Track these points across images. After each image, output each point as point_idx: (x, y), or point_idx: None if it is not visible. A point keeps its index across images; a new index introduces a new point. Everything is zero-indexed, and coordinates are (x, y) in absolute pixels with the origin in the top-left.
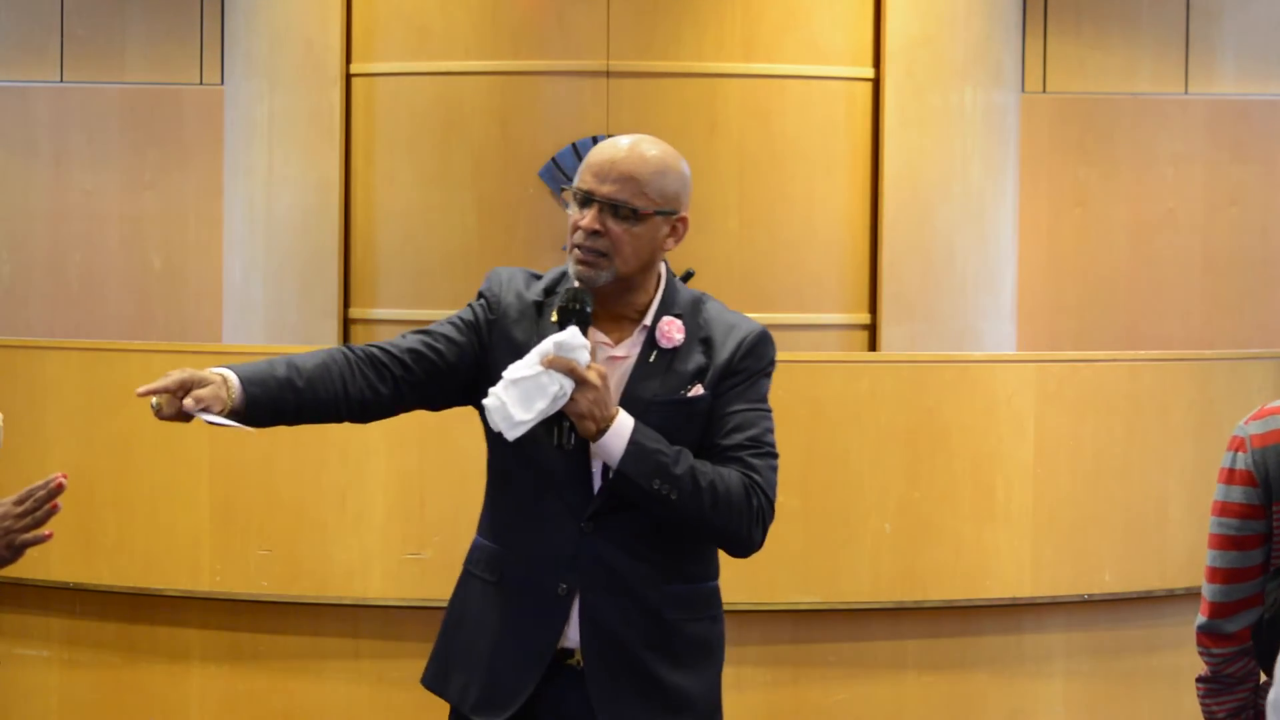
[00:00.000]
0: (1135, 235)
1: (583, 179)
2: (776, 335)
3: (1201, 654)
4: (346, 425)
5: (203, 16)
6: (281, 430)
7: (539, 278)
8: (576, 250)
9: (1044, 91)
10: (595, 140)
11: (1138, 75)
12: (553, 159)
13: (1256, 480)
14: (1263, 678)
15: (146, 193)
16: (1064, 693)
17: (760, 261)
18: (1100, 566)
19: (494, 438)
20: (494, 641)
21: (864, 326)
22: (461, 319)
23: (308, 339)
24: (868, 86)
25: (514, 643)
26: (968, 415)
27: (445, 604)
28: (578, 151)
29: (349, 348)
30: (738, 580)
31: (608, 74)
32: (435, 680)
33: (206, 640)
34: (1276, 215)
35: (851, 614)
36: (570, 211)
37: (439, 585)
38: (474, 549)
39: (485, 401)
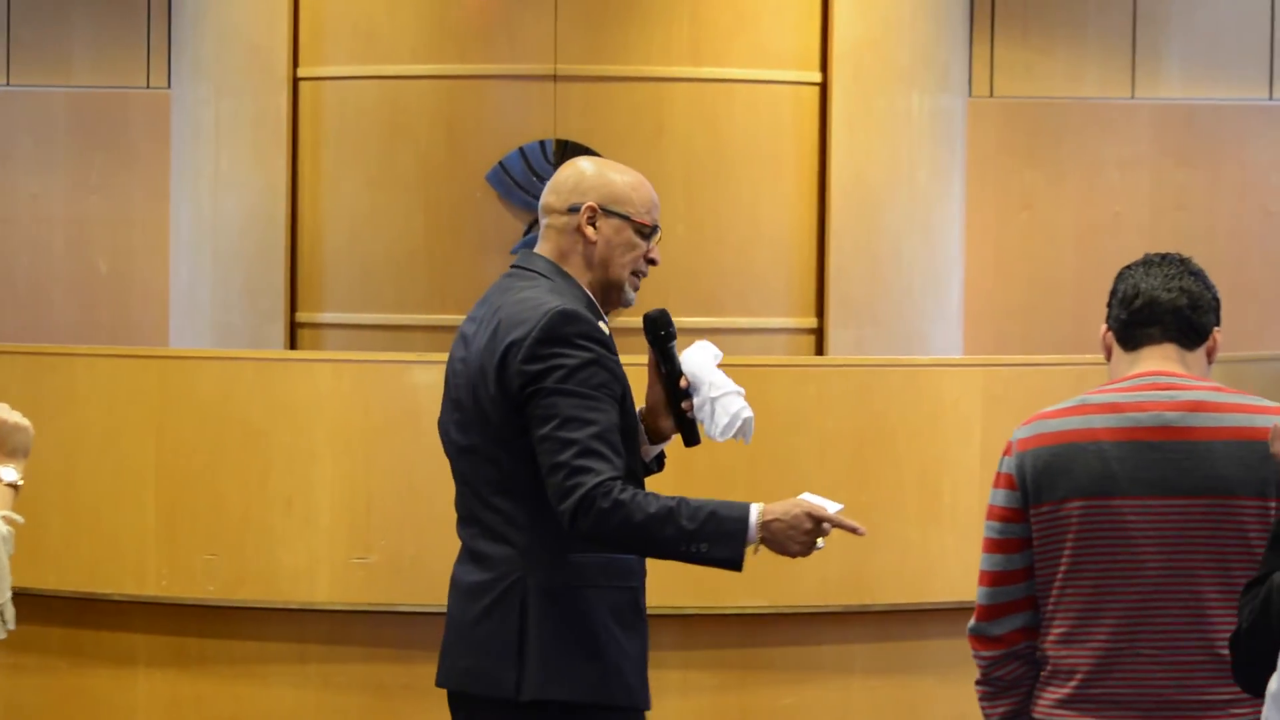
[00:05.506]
0: (1081, 239)
1: (658, 216)
2: (724, 339)
3: (974, 657)
4: (290, 429)
5: (149, 20)
6: (228, 434)
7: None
8: (636, 277)
9: (991, 96)
10: (543, 145)
11: (1084, 80)
12: (500, 163)
13: (1016, 484)
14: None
15: (92, 196)
16: None
17: (707, 266)
18: None
19: (633, 448)
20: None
21: (811, 331)
22: (618, 383)
23: (254, 342)
24: (815, 91)
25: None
26: (915, 419)
27: (392, 608)
28: (525, 156)
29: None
30: (685, 584)
31: (555, 78)
32: (645, 695)
33: (152, 645)
34: (1222, 219)
35: (799, 618)
36: (648, 244)
37: (385, 589)
38: (594, 563)
39: (746, 415)
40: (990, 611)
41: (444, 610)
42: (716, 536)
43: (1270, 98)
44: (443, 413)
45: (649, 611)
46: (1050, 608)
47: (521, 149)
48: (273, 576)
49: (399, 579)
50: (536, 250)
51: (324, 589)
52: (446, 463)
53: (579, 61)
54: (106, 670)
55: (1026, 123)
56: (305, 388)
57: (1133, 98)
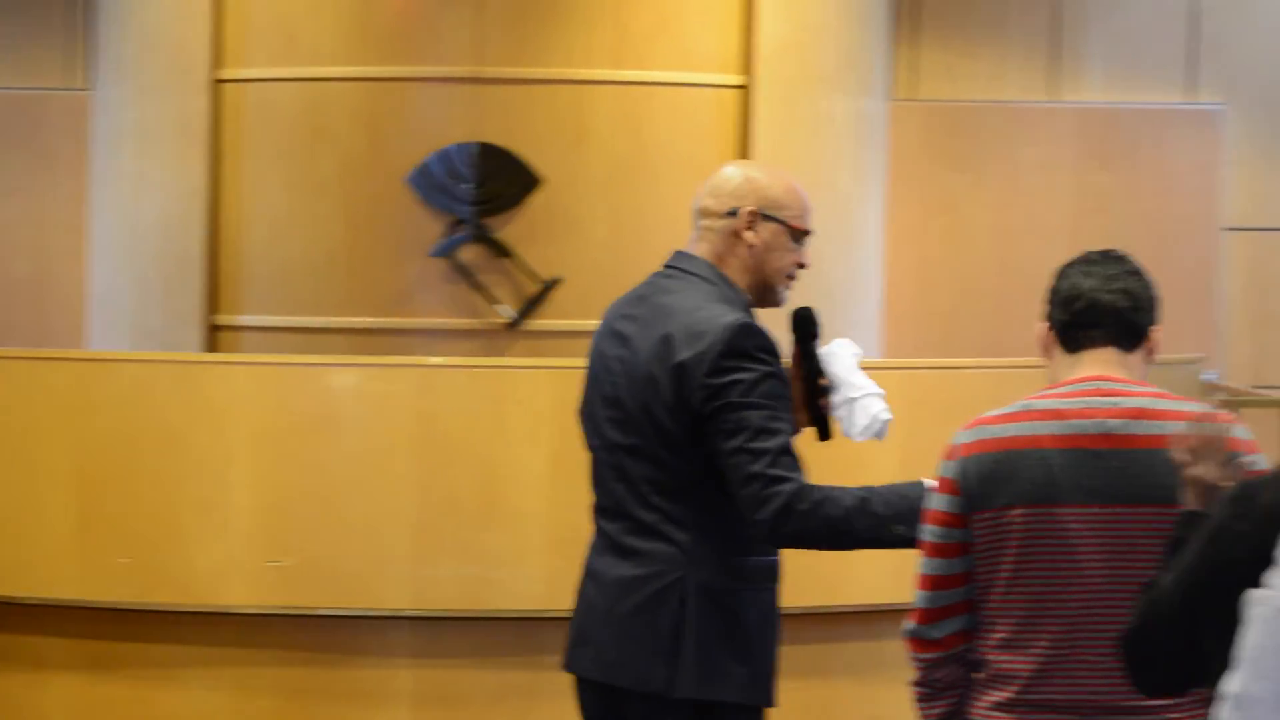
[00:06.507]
0: (1002, 242)
1: (811, 221)
2: None
3: (910, 659)
4: (207, 431)
5: (70, 22)
6: (144, 437)
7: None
8: (790, 279)
9: (913, 99)
10: (464, 147)
11: (1006, 83)
12: (421, 165)
13: (959, 489)
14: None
15: (10, 199)
16: None
17: (629, 269)
18: None
19: None
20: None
21: None
22: (786, 386)
23: (172, 345)
24: (737, 94)
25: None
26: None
27: (307, 611)
28: (446, 157)
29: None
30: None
31: (477, 80)
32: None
33: (67, 649)
34: (1141, 223)
35: None
36: (799, 248)
37: (300, 592)
38: (750, 565)
39: (885, 417)
40: (930, 615)
41: (359, 613)
42: (909, 516)
43: (1189, 101)
44: (589, 404)
45: (561, 615)
46: (991, 613)
47: (442, 151)
48: (188, 579)
49: (314, 582)
50: (691, 251)
51: (239, 592)
52: (364, 465)
53: (501, 64)
54: (20, 674)
55: (948, 126)
56: (223, 390)
57: (1054, 101)
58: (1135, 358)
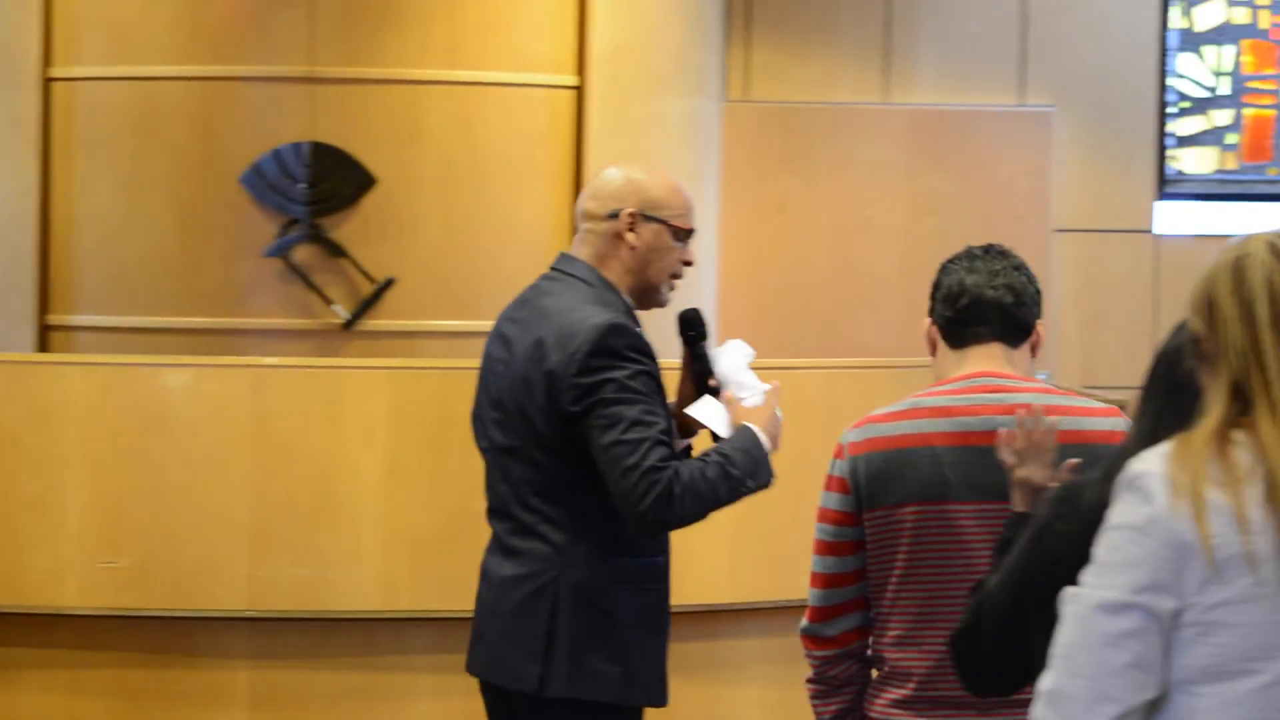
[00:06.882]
0: (835, 243)
1: (694, 220)
2: (476, 343)
3: (806, 656)
4: (40, 432)
5: None
6: None
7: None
8: (673, 279)
9: (746, 100)
10: (297, 147)
11: (838, 84)
12: (254, 165)
13: (849, 488)
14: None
15: None
16: (760, 699)
17: (462, 269)
18: (798, 572)
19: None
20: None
21: None
22: (662, 388)
23: (4, 345)
24: (570, 94)
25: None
26: None
27: (141, 612)
28: (279, 158)
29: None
30: (438, 589)
31: (310, 80)
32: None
33: None
34: (974, 224)
35: None
36: (685, 247)
37: (135, 594)
38: (629, 566)
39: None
40: (824, 613)
41: (195, 614)
42: (755, 469)
43: (1021, 104)
44: (478, 406)
45: (396, 616)
46: (885, 610)
47: (276, 151)
48: (20, 581)
49: (149, 583)
50: (574, 254)
51: (73, 593)
52: (199, 466)
53: (335, 63)
54: None
55: (781, 127)
56: (55, 390)
57: (886, 103)
58: (1020, 353)
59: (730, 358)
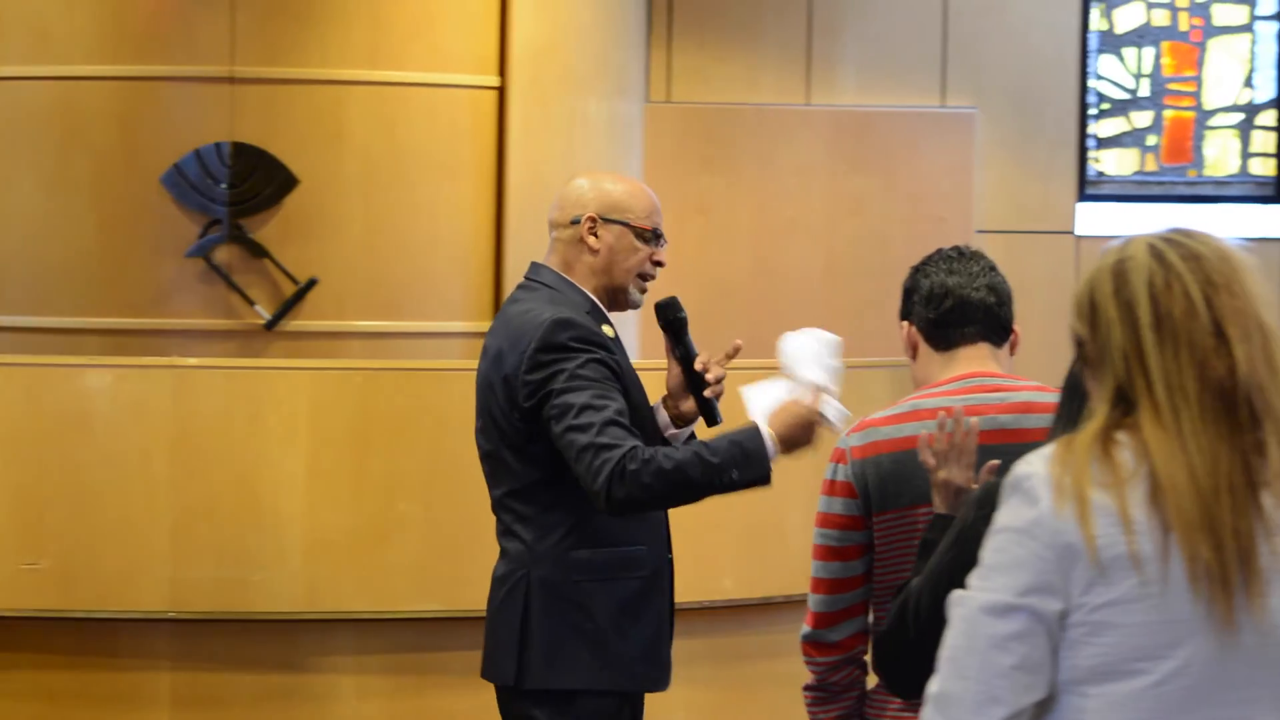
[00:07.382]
0: (757, 244)
1: (659, 221)
2: (399, 344)
3: (807, 663)
4: None
5: None
6: None
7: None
8: (642, 279)
9: (668, 101)
10: (219, 147)
11: (760, 86)
12: (175, 165)
13: (856, 492)
14: (870, 684)
15: None
16: (685, 699)
17: (384, 270)
18: (720, 573)
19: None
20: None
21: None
22: (615, 377)
23: None
24: (492, 95)
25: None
26: None
27: (63, 614)
28: (201, 158)
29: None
30: (358, 589)
31: (232, 80)
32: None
33: None
34: (896, 225)
35: (474, 622)
36: (649, 247)
37: (57, 595)
38: (600, 558)
39: (833, 413)
40: (828, 618)
41: (117, 615)
42: (743, 461)
43: (942, 105)
44: (476, 415)
45: (320, 616)
46: None
47: (197, 151)
48: None
49: (71, 585)
50: (544, 263)
51: None
52: (121, 467)
53: (256, 63)
54: None
55: (703, 128)
56: None
57: (808, 104)
58: (1004, 353)
59: (802, 345)
